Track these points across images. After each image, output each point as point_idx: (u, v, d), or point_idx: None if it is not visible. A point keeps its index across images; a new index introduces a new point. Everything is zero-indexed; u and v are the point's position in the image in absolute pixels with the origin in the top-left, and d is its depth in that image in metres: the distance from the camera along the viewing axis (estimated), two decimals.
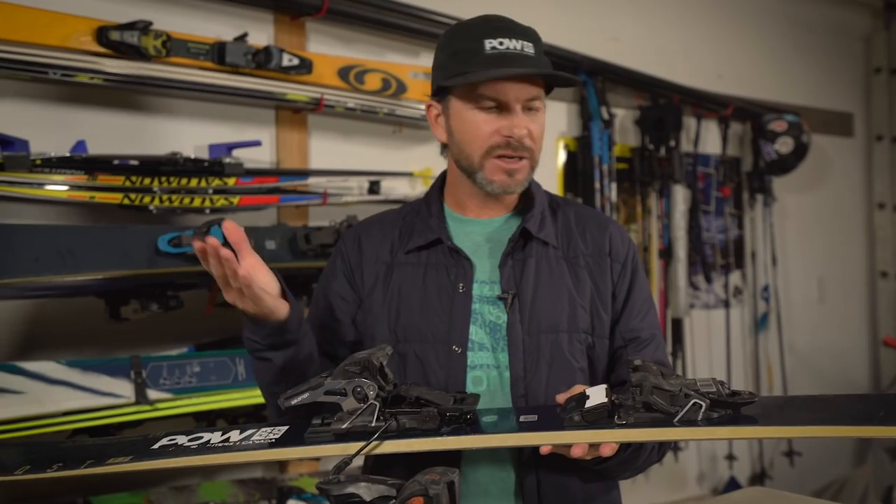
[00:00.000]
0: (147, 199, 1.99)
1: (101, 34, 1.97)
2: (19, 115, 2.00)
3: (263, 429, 1.26)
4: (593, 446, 1.17)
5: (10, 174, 1.80)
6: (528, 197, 1.47)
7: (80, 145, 1.94)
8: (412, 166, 2.61)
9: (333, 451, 1.17)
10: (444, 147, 1.46)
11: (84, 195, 1.91)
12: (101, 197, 1.93)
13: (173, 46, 2.07)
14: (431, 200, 1.48)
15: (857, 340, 4.52)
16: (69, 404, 1.81)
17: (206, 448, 1.22)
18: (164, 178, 2.02)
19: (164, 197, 2.02)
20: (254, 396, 2.04)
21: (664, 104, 3.44)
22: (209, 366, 2.01)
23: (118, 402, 1.87)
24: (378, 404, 1.18)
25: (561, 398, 1.25)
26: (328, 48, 2.54)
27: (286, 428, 1.26)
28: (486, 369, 1.37)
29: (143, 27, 2.01)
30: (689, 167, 3.61)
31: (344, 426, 1.17)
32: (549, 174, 3.20)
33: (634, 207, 3.45)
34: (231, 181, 2.14)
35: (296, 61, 2.29)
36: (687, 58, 3.66)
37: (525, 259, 1.41)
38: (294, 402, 1.17)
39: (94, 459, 1.22)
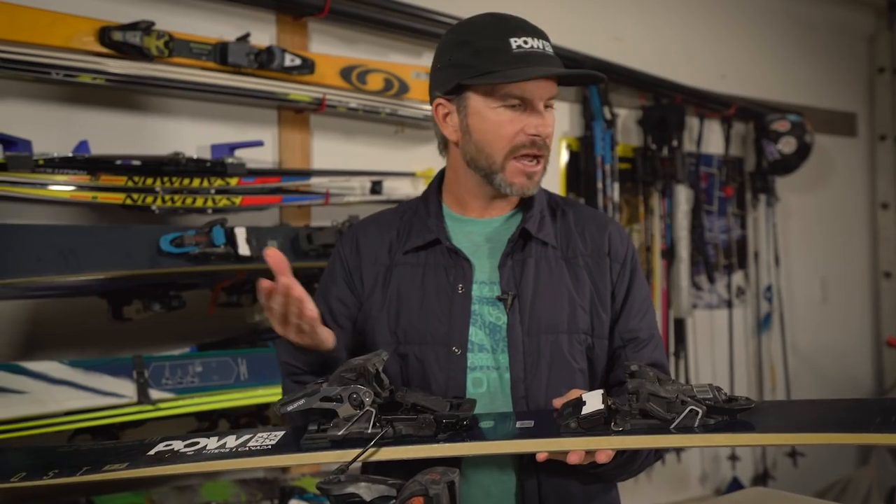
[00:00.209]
0: (149, 200, 2.00)
1: (104, 34, 1.98)
2: (22, 116, 2.00)
3: (260, 434, 1.26)
4: (590, 452, 1.17)
5: (13, 174, 1.81)
6: (528, 196, 1.45)
7: (83, 145, 1.94)
8: (414, 166, 2.61)
9: (330, 458, 1.17)
10: (444, 146, 1.45)
11: (87, 195, 1.92)
12: (103, 197, 1.94)
13: (175, 47, 2.08)
14: (430, 200, 1.47)
15: (860, 340, 4.51)
16: (71, 404, 1.81)
17: (202, 455, 1.22)
18: (166, 179, 2.02)
19: (167, 197, 2.02)
20: (256, 396, 2.05)
21: (667, 104, 3.44)
22: (211, 366, 2.01)
23: (120, 402, 1.87)
24: (374, 411, 1.17)
25: (558, 403, 1.25)
26: (330, 48, 2.54)
27: (282, 433, 1.26)
28: (485, 371, 1.36)
29: (146, 27, 2.01)
30: (691, 167, 3.61)
31: (340, 433, 1.17)
32: (552, 174, 3.18)
33: (637, 207, 3.45)
34: (233, 181, 2.14)
35: (298, 61, 2.30)
36: (689, 58, 3.65)
37: (525, 259, 1.40)
38: (290, 408, 1.17)
39: (91, 466, 1.22)
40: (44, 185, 1.86)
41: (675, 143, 3.43)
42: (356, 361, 1.20)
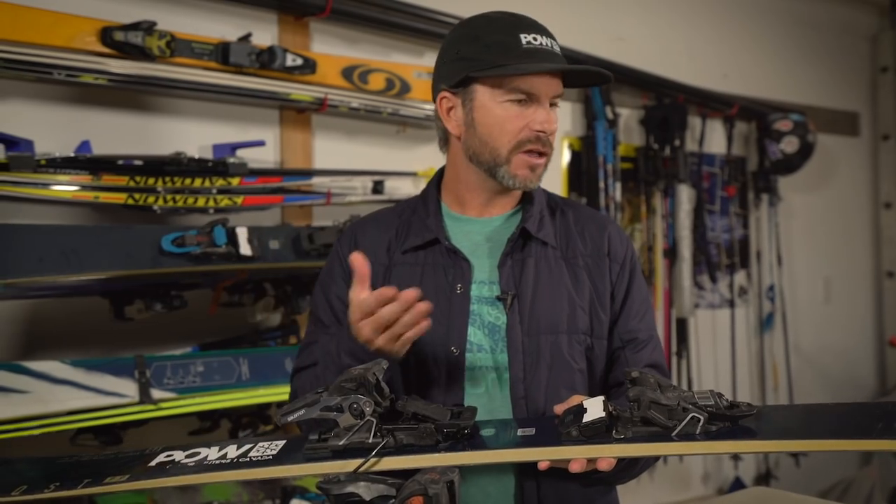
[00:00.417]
0: (151, 199, 2.00)
1: (106, 34, 1.98)
2: (24, 116, 2.00)
3: (261, 444, 1.26)
4: (591, 460, 1.16)
5: (15, 174, 1.81)
6: (528, 196, 1.46)
7: (85, 145, 1.94)
8: (416, 166, 2.61)
9: (331, 468, 1.16)
10: (445, 142, 1.45)
11: (88, 195, 1.92)
12: (105, 197, 1.94)
13: (177, 47, 2.08)
14: (429, 199, 1.46)
15: (862, 340, 4.50)
16: (73, 404, 1.81)
17: (203, 466, 1.22)
18: (168, 179, 2.02)
19: (169, 197, 2.02)
20: (257, 396, 2.05)
21: (669, 104, 3.44)
22: (213, 365, 2.01)
23: (122, 402, 1.87)
24: (375, 420, 1.17)
25: (559, 409, 1.24)
26: (332, 48, 2.54)
27: (283, 443, 1.25)
28: (484, 371, 1.35)
29: (147, 27, 2.01)
30: (693, 167, 3.61)
31: (341, 443, 1.17)
32: (554, 174, 3.20)
33: (639, 207, 3.45)
34: (235, 181, 2.14)
35: (299, 61, 2.30)
36: (692, 57, 3.65)
37: (524, 259, 1.40)
38: (291, 418, 1.17)
39: (92, 479, 1.22)
40: (46, 185, 1.86)
41: (677, 142, 3.42)
42: (356, 370, 1.19)
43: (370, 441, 1.17)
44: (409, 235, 1.44)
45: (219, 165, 2.12)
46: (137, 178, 1.98)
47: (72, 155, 1.91)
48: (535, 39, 1.33)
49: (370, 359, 1.26)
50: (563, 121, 3.22)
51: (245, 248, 1.98)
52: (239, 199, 2.15)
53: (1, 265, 1.68)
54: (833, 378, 4.25)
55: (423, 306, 1.20)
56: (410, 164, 2.63)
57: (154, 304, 1.99)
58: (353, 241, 1.48)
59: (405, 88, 2.54)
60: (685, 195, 3.47)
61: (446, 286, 1.38)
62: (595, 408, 1.18)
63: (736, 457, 3.73)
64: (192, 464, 1.23)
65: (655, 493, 3.45)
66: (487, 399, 1.34)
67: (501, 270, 1.38)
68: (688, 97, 3.49)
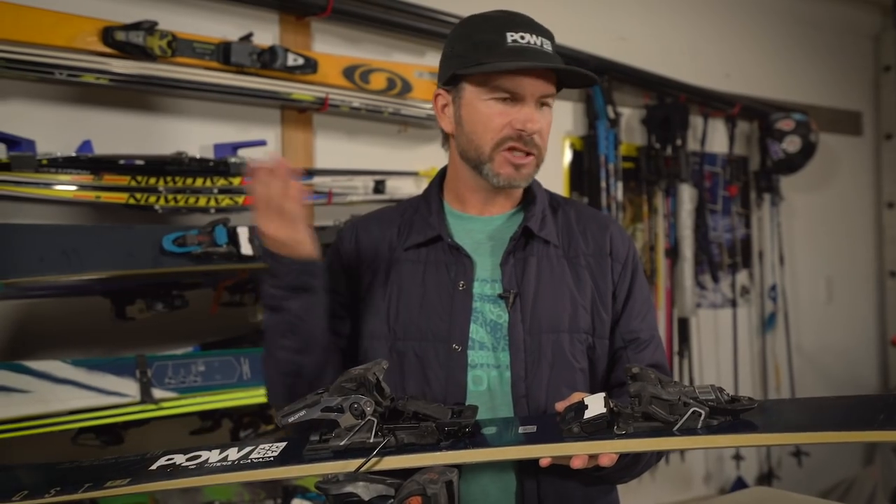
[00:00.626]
0: (152, 199, 2.00)
1: (107, 34, 1.98)
2: (26, 116, 2.00)
3: (262, 446, 1.26)
4: (593, 457, 1.16)
5: (17, 174, 1.81)
6: (530, 195, 1.46)
7: (86, 145, 1.94)
8: (417, 166, 2.61)
9: (332, 468, 1.17)
10: (446, 140, 1.46)
11: (90, 195, 1.92)
12: (106, 197, 1.94)
13: (178, 46, 2.08)
14: (431, 197, 1.47)
15: (865, 340, 4.50)
16: (75, 403, 1.81)
17: (204, 468, 1.22)
18: (169, 178, 2.02)
19: (170, 196, 2.02)
20: (258, 396, 2.05)
21: (671, 103, 3.43)
22: (214, 365, 2.01)
23: (123, 402, 1.88)
24: (376, 420, 1.17)
25: (560, 406, 1.25)
26: (333, 48, 2.54)
27: (284, 444, 1.26)
28: (486, 368, 1.36)
29: (149, 27, 2.01)
30: (695, 166, 3.60)
31: (342, 443, 1.17)
32: (555, 173, 3.20)
33: (641, 207, 3.44)
34: (236, 181, 2.14)
35: (301, 61, 2.30)
36: (694, 57, 3.64)
37: (527, 258, 1.40)
38: (291, 419, 1.17)
39: (93, 483, 1.22)
40: (47, 185, 1.86)
41: (678, 142, 3.42)
42: (356, 371, 1.20)
43: (371, 441, 1.17)
44: (412, 233, 1.44)
45: (220, 165, 2.12)
46: (139, 178, 1.98)
47: (73, 155, 1.91)
48: (522, 38, 1.33)
49: (279, 265, 1.29)
50: (565, 120, 3.22)
51: (246, 248, 1.98)
52: (240, 199, 2.15)
53: (2, 265, 1.69)
54: (835, 378, 4.24)
55: (285, 162, 1.24)
56: (412, 163, 2.63)
57: (155, 304, 1.99)
58: (354, 237, 1.49)
59: (406, 88, 2.54)
60: (687, 195, 3.46)
61: (448, 283, 1.39)
62: (596, 404, 1.18)
63: (738, 456, 3.73)
64: (193, 466, 1.23)
65: (657, 492, 3.45)
66: (489, 397, 1.35)
67: (504, 269, 1.39)
68: (690, 96, 3.49)
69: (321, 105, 2.39)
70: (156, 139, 2.21)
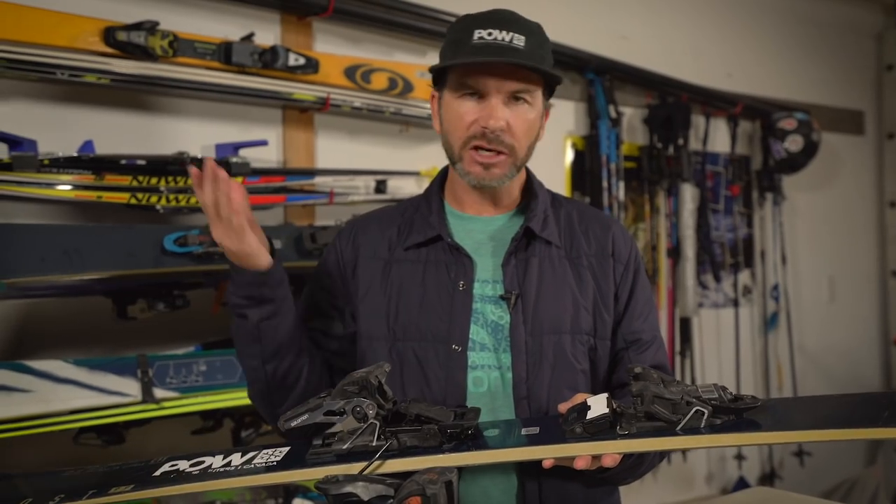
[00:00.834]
0: (154, 199, 2.00)
1: (109, 34, 1.98)
2: (27, 116, 2.01)
3: (265, 451, 1.26)
4: (596, 457, 1.16)
5: (19, 174, 1.81)
6: (531, 195, 1.45)
7: (88, 145, 1.94)
8: (419, 165, 2.61)
9: (335, 472, 1.16)
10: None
11: (91, 195, 1.92)
12: (108, 196, 1.94)
13: (180, 46, 2.08)
14: (431, 197, 1.47)
15: (867, 340, 4.49)
16: (76, 403, 1.81)
17: (207, 474, 1.22)
18: (171, 178, 2.02)
19: (171, 196, 2.02)
20: None
21: (673, 103, 3.43)
22: (215, 365, 2.01)
23: (125, 401, 1.88)
24: (378, 423, 1.17)
25: (563, 408, 1.24)
26: (335, 48, 2.54)
27: (287, 449, 1.26)
28: (487, 370, 1.35)
29: (150, 27, 2.01)
30: (697, 166, 3.60)
31: (345, 446, 1.17)
32: (557, 173, 3.20)
33: (643, 206, 3.44)
34: (238, 181, 2.13)
35: (302, 61, 2.30)
36: (696, 56, 3.64)
37: (528, 258, 1.39)
38: (294, 423, 1.17)
39: (97, 489, 1.23)
40: (49, 185, 1.86)
41: (680, 141, 3.41)
42: (358, 374, 1.20)
43: (374, 444, 1.17)
44: (412, 232, 1.44)
45: (221, 165, 2.11)
46: (140, 178, 1.98)
47: (75, 155, 1.91)
48: (489, 35, 1.30)
49: (236, 275, 1.28)
50: (566, 120, 3.22)
51: None
52: None
53: (4, 265, 1.68)
54: (838, 377, 4.24)
55: (224, 174, 1.23)
56: (413, 163, 2.63)
57: (156, 304, 1.99)
58: (353, 237, 1.48)
59: (408, 88, 2.53)
60: (689, 194, 3.46)
61: (448, 283, 1.38)
62: (598, 405, 1.18)
63: (740, 456, 3.73)
64: (196, 472, 1.23)
65: (659, 492, 3.45)
66: (490, 398, 1.34)
67: (505, 269, 1.38)
68: (691, 96, 3.49)
69: (322, 105, 2.39)
70: (157, 139, 2.21)
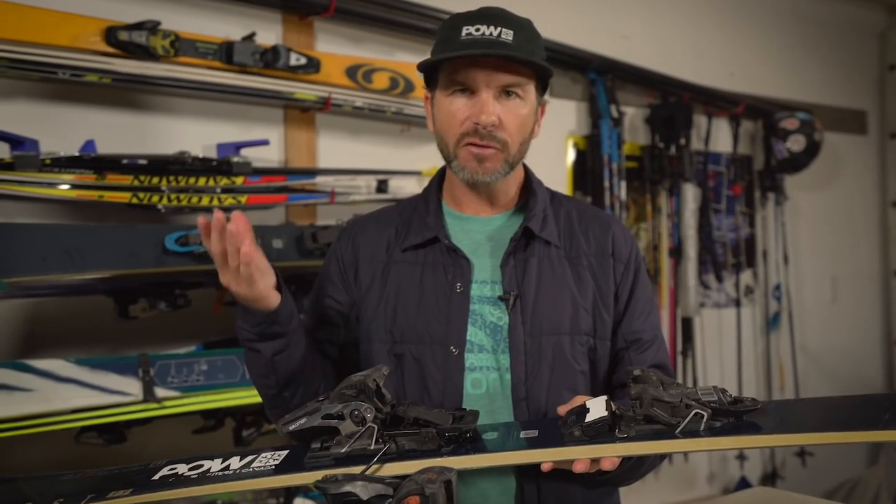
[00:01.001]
0: (155, 199, 2.00)
1: (110, 34, 1.98)
2: (29, 115, 2.01)
3: (264, 454, 1.26)
4: (595, 461, 1.15)
5: (20, 173, 1.82)
6: (530, 194, 1.44)
7: (89, 145, 1.95)
8: (420, 165, 2.61)
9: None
10: None
11: (93, 194, 1.93)
12: (109, 196, 1.94)
13: (181, 46, 2.08)
14: (430, 197, 1.46)
15: (870, 340, 4.49)
16: (77, 402, 1.82)
17: (206, 478, 1.22)
18: (172, 178, 2.03)
19: (173, 196, 2.03)
20: None
21: (674, 102, 3.42)
22: (217, 364, 2.02)
23: (126, 400, 1.88)
24: (376, 427, 1.17)
25: (562, 410, 1.24)
26: (336, 47, 2.54)
27: (286, 452, 1.26)
28: (485, 371, 1.34)
29: (152, 27, 2.02)
30: (699, 165, 3.59)
31: (343, 450, 1.17)
32: (559, 173, 3.20)
33: (644, 206, 3.44)
34: (239, 180, 2.14)
35: (303, 60, 2.30)
36: (697, 55, 3.64)
37: (527, 259, 1.38)
38: (292, 427, 1.17)
39: (96, 494, 1.23)
40: (50, 185, 1.87)
41: (682, 141, 3.41)
42: (356, 377, 1.19)
43: (372, 448, 1.17)
44: (409, 234, 1.43)
45: (223, 165, 2.12)
46: (142, 178, 1.98)
47: (76, 154, 1.91)
48: (477, 31, 1.29)
49: (245, 314, 1.26)
50: (568, 119, 3.22)
51: None
52: (243, 199, 2.15)
53: (5, 264, 1.69)
54: (840, 378, 4.23)
55: (233, 227, 1.17)
56: (414, 163, 2.63)
57: (158, 303, 1.99)
58: (352, 239, 1.48)
59: (409, 87, 2.53)
60: (691, 194, 3.45)
61: (446, 285, 1.37)
62: (598, 407, 1.17)
63: (742, 456, 3.72)
64: (195, 476, 1.23)
65: (661, 492, 3.45)
66: (488, 400, 1.33)
67: (504, 270, 1.37)
68: (693, 96, 3.48)
69: (324, 104, 2.39)
70: (159, 139, 2.21)
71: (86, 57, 1.96)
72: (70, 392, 1.81)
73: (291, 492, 2.14)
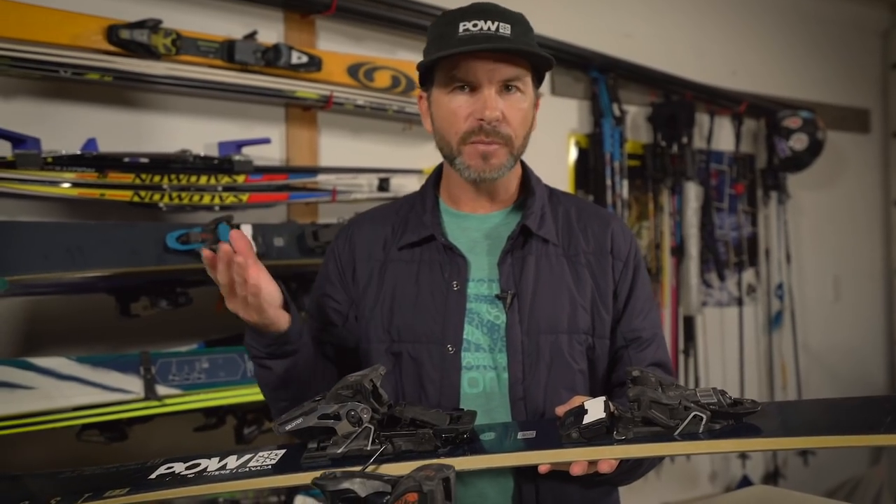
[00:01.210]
0: (157, 197, 2.01)
1: (112, 33, 1.99)
2: (30, 114, 2.01)
3: (261, 454, 1.26)
4: (592, 463, 1.14)
5: (22, 172, 1.82)
6: (528, 192, 1.43)
7: (91, 143, 1.95)
8: (421, 163, 2.61)
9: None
10: None
11: (94, 192, 1.93)
12: (111, 194, 1.95)
13: (183, 45, 2.09)
14: (426, 195, 1.45)
15: (872, 339, 4.48)
16: (79, 400, 1.82)
17: (203, 477, 1.22)
18: (173, 176, 2.03)
19: (174, 194, 2.03)
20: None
21: (677, 101, 3.42)
22: (218, 362, 2.02)
23: (127, 398, 1.88)
24: (373, 427, 1.16)
25: (560, 411, 1.23)
26: (338, 46, 2.55)
27: (283, 452, 1.25)
28: (482, 370, 1.33)
29: (153, 25, 2.02)
30: (701, 164, 3.59)
31: (340, 451, 1.16)
32: (561, 171, 3.20)
33: (646, 205, 3.44)
34: (241, 178, 2.15)
35: (305, 59, 2.30)
36: (700, 54, 3.63)
37: (525, 257, 1.37)
38: (288, 427, 1.17)
39: (93, 492, 1.23)
40: (52, 183, 1.87)
41: (685, 139, 3.41)
42: (353, 378, 1.19)
43: (369, 448, 1.16)
44: (406, 232, 1.42)
45: (224, 163, 2.12)
46: (143, 176, 1.99)
47: (78, 153, 1.91)
48: (474, 26, 1.29)
49: (257, 336, 1.25)
50: (570, 118, 3.21)
51: None
52: (244, 197, 2.15)
53: (7, 262, 1.69)
54: (842, 377, 4.22)
55: (241, 258, 1.16)
56: (416, 161, 2.63)
57: (159, 301, 2.00)
58: (349, 238, 1.47)
59: (411, 86, 2.53)
60: (693, 193, 3.45)
61: (442, 283, 1.37)
62: (596, 409, 1.16)
63: (743, 455, 3.72)
64: (192, 475, 1.23)
65: (662, 491, 3.45)
66: (485, 399, 1.33)
67: (501, 268, 1.36)
68: (696, 94, 3.48)
69: (325, 103, 2.39)
70: (160, 137, 2.22)
71: (87, 55, 1.97)
72: (71, 390, 1.81)
73: (292, 489, 2.14)
